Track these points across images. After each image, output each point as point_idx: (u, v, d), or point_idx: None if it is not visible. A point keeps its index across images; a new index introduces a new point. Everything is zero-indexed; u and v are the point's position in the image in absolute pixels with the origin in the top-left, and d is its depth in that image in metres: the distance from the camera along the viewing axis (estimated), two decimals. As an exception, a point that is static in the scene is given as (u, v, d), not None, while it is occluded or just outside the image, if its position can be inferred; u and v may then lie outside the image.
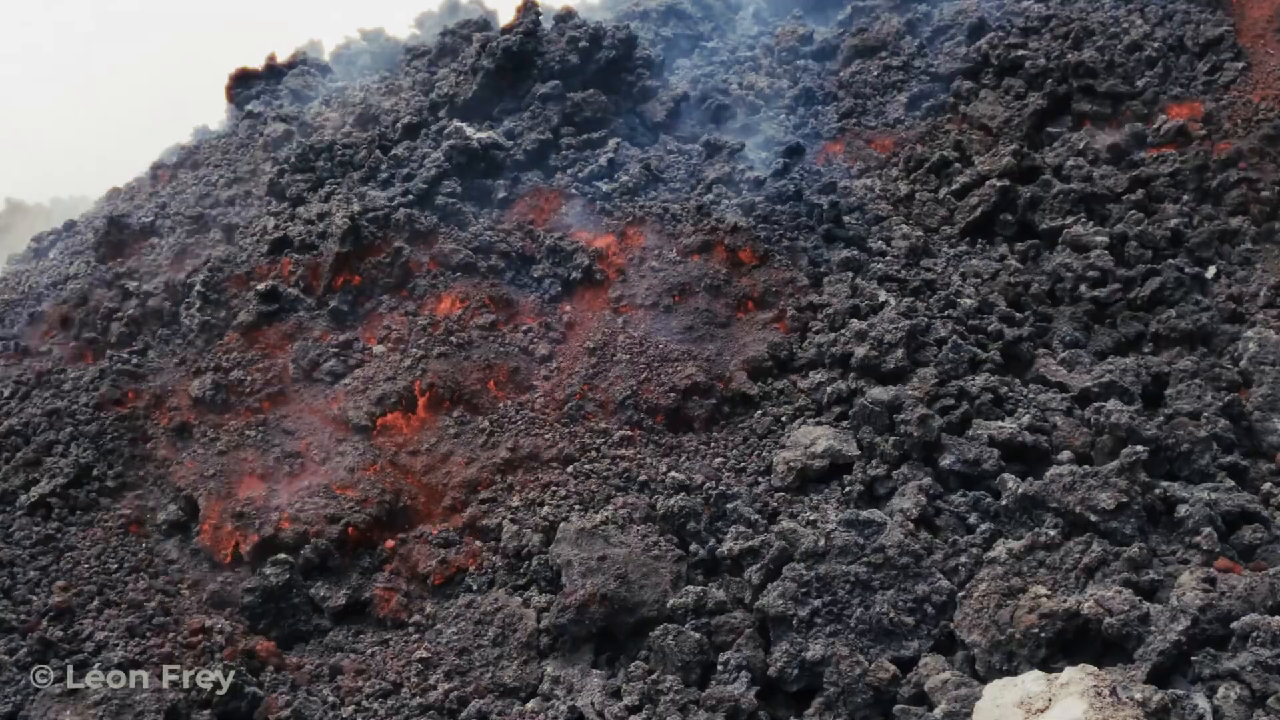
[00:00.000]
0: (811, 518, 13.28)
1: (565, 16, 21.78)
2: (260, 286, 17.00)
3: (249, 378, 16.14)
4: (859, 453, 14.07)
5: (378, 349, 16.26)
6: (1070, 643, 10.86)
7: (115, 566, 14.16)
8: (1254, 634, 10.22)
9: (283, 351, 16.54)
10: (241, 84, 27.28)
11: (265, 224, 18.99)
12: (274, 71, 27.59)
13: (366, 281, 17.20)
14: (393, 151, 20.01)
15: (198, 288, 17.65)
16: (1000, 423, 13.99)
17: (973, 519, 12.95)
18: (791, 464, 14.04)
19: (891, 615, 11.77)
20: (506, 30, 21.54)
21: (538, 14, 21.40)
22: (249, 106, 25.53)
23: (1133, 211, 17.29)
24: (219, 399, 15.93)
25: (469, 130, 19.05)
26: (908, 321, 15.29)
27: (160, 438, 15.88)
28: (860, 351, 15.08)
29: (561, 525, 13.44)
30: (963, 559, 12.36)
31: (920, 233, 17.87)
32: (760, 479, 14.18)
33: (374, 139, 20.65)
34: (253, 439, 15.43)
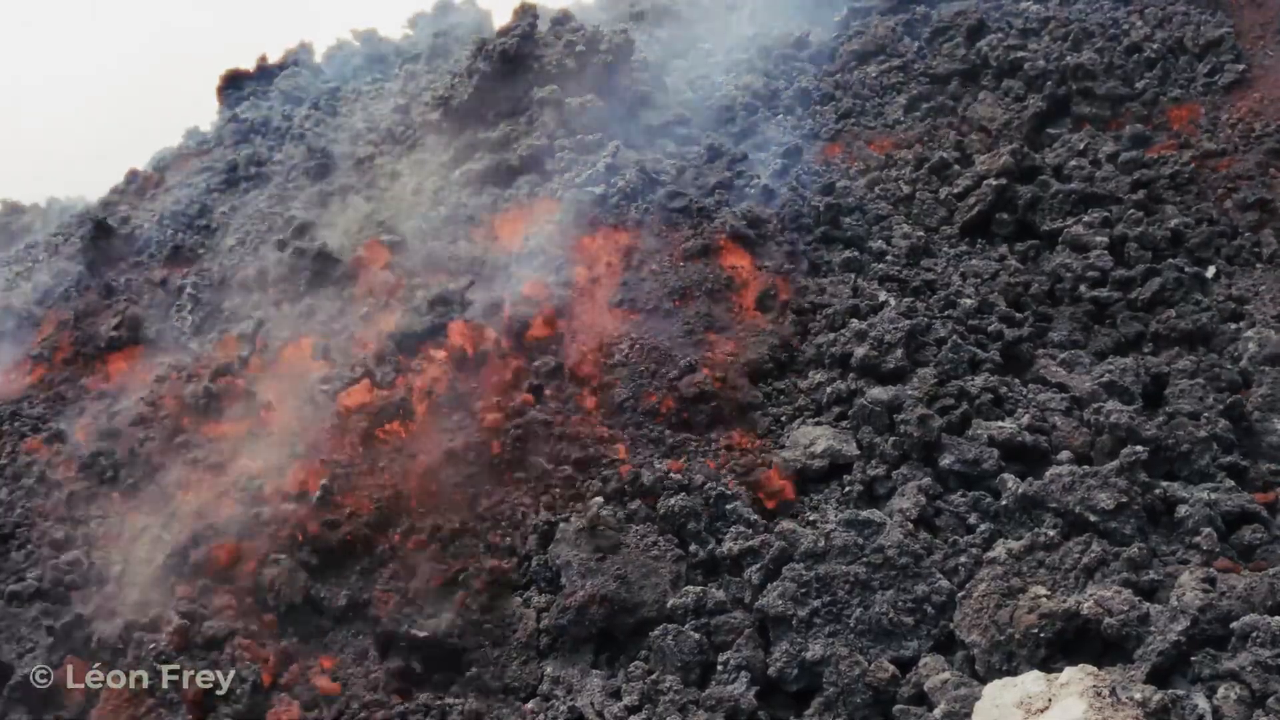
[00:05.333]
0: (811, 518, 13.28)
1: (562, 20, 21.77)
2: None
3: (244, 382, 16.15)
4: (859, 453, 14.07)
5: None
6: (1070, 643, 10.84)
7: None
8: (1254, 634, 10.21)
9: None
10: (233, 85, 27.19)
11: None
12: (265, 72, 27.51)
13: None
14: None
15: (188, 290, 17.66)
16: (1000, 423, 13.99)
17: (972, 519, 12.94)
18: (791, 464, 14.03)
19: (891, 615, 11.76)
20: (503, 33, 21.53)
21: (535, 17, 21.39)
22: (238, 109, 25.49)
23: (1132, 211, 17.29)
24: (213, 405, 15.91)
25: None
26: (908, 321, 15.29)
27: (156, 441, 15.86)
28: (860, 351, 15.08)
29: (561, 525, 13.43)
30: (962, 559, 12.35)
31: (921, 233, 17.87)
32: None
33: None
34: (249, 444, 15.40)
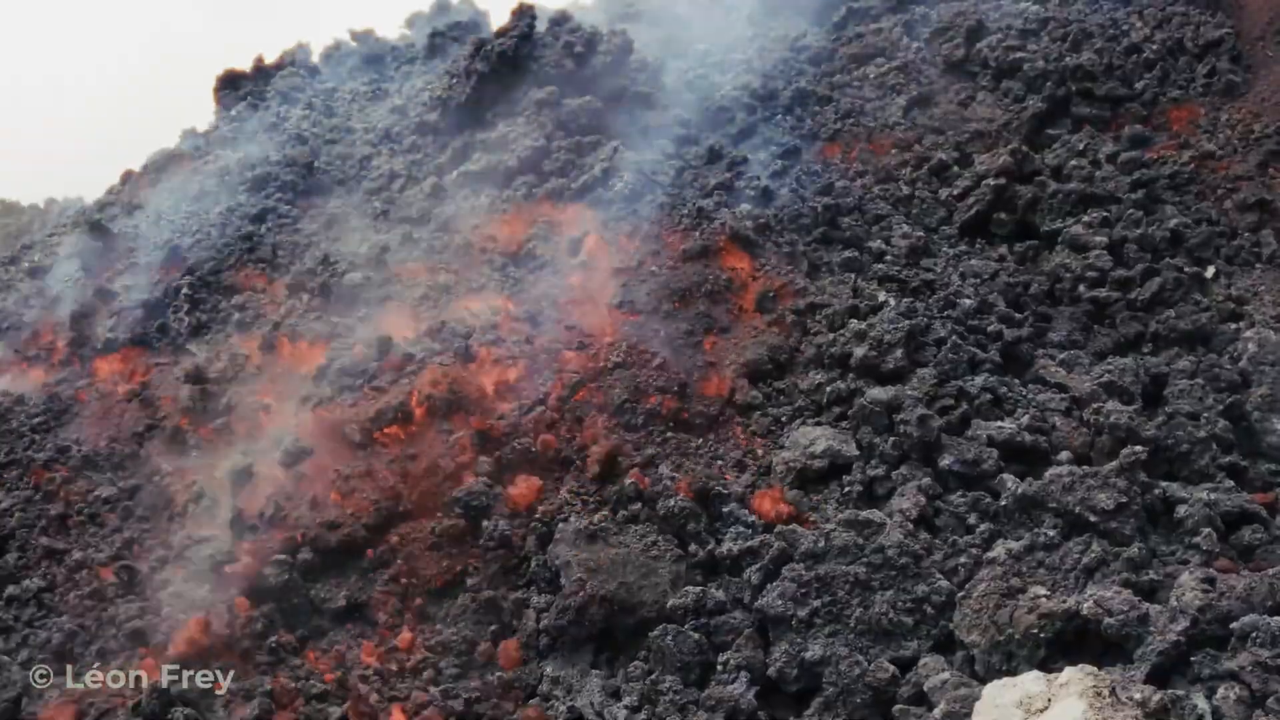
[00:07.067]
0: (811, 518, 13.26)
1: (560, 20, 21.76)
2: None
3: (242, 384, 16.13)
4: (858, 453, 14.06)
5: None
6: (1070, 643, 10.83)
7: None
8: (1253, 634, 10.19)
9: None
10: (229, 85, 27.10)
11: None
12: (262, 73, 27.44)
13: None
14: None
15: (184, 290, 17.64)
16: (999, 423, 13.98)
17: (972, 519, 12.93)
18: (791, 464, 14.02)
19: (891, 615, 11.75)
20: (501, 33, 21.52)
21: (533, 18, 21.38)
22: (234, 110, 25.43)
23: (1132, 212, 17.28)
24: (211, 406, 15.87)
25: None
26: (907, 321, 15.29)
27: (155, 444, 15.83)
28: (860, 352, 15.07)
29: (560, 526, 13.41)
30: (962, 559, 12.35)
31: (920, 233, 17.85)
32: (760, 479, 14.15)
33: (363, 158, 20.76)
34: (247, 447, 15.38)
